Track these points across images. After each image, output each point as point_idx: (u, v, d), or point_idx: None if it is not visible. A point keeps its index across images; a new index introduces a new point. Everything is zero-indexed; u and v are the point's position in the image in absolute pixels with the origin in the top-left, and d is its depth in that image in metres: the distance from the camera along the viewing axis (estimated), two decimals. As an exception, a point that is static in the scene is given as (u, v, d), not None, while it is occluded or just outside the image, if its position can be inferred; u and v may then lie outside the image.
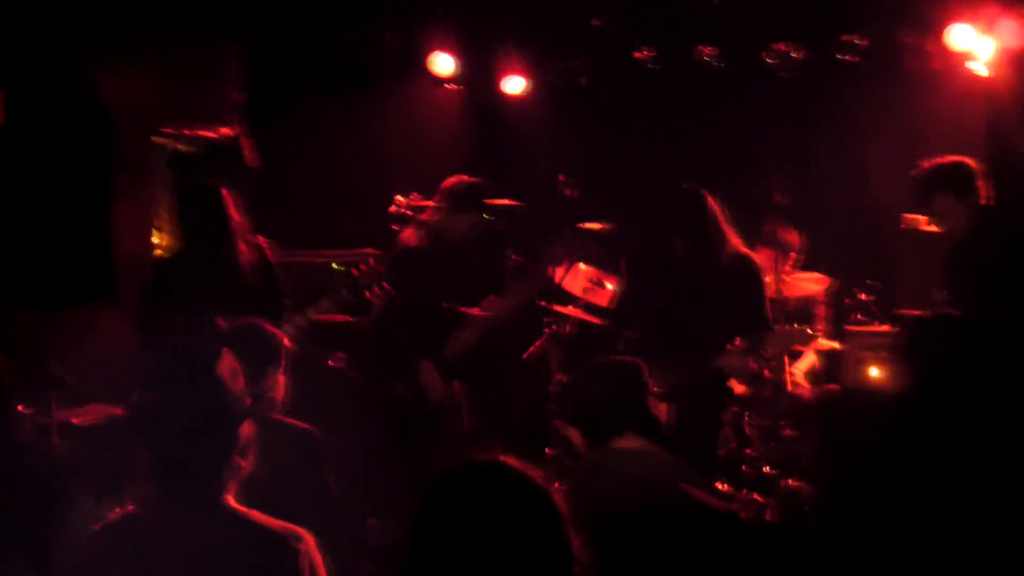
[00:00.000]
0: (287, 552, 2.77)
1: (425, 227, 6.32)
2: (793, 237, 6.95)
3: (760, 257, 6.07)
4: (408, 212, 6.60)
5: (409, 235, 6.35)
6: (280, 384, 4.19)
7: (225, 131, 7.73)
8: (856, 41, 7.32)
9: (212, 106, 7.86)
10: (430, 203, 6.38)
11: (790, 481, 5.40)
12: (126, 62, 7.15)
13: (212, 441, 2.80)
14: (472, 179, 6.35)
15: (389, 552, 5.58)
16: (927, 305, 5.78)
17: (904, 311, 6.25)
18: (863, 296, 6.89)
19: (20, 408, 5.52)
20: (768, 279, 6.10)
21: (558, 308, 6.61)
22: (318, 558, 2.83)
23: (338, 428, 4.62)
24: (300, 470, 3.89)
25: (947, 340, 3.91)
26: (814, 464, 3.55)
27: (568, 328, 6.65)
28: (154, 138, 7.62)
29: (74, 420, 5.66)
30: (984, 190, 5.63)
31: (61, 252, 6.48)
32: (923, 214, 5.90)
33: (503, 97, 8.13)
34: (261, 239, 5.70)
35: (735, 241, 5.74)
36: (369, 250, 6.74)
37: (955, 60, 7.16)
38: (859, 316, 6.86)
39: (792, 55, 7.43)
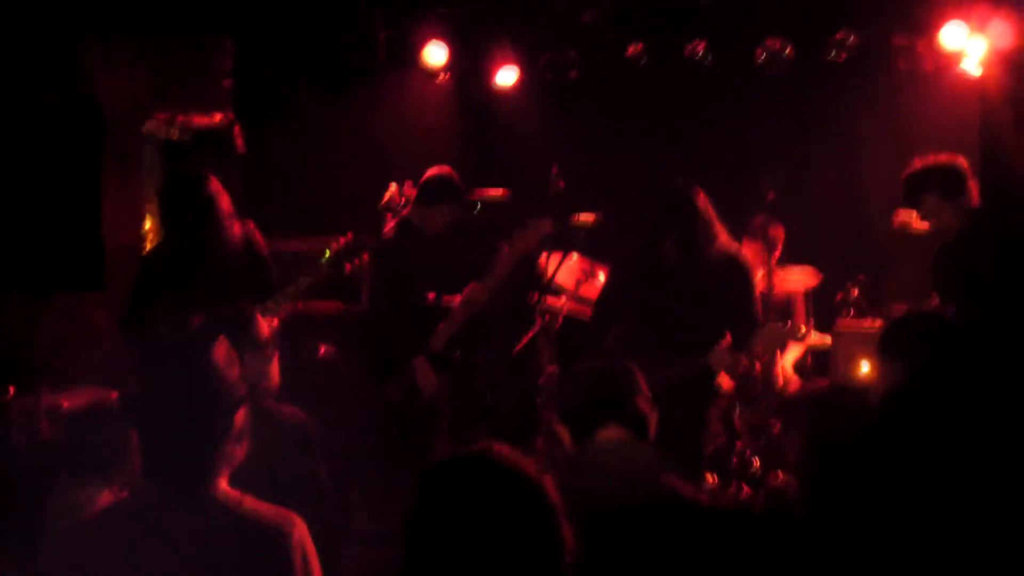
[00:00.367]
0: (278, 544, 2.78)
1: (401, 221, 6.34)
2: (779, 232, 6.98)
3: (749, 253, 6.09)
4: (400, 203, 6.61)
5: (389, 229, 6.37)
6: (272, 372, 4.19)
7: (216, 118, 7.71)
8: (847, 40, 7.33)
9: (203, 96, 7.85)
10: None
11: (779, 475, 5.43)
12: (117, 52, 7.15)
13: (208, 428, 2.81)
14: (444, 171, 6.33)
15: (381, 542, 5.59)
16: (916, 302, 5.80)
17: (894, 307, 6.27)
18: (853, 291, 6.92)
19: (9, 393, 5.50)
20: (758, 275, 6.11)
21: (550, 300, 6.61)
22: (310, 544, 2.84)
23: (330, 418, 4.62)
24: (292, 459, 3.89)
25: (935, 337, 3.94)
26: (802, 458, 3.57)
27: (560, 321, 6.66)
28: (144, 125, 7.61)
29: (64, 404, 5.64)
30: (974, 190, 5.63)
31: (51, 239, 6.48)
32: (912, 212, 5.91)
33: (494, 91, 8.13)
34: (251, 226, 5.69)
35: (724, 237, 5.75)
36: (356, 237, 6.73)
37: (947, 60, 7.18)
38: (850, 311, 6.89)
39: (783, 53, 7.44)
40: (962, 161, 5.62)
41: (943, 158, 5.63)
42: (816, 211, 7.80)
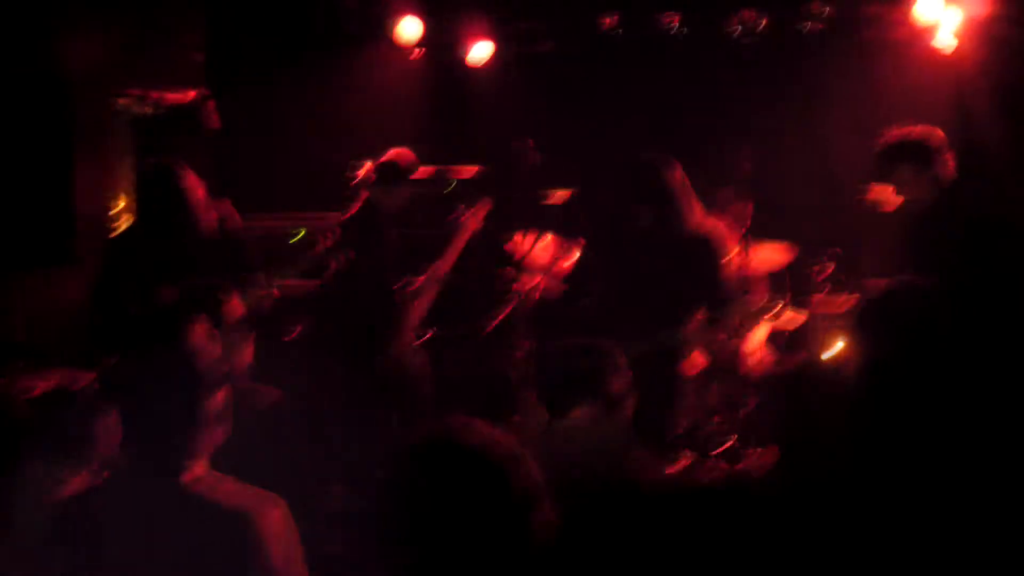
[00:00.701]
0: (258, 525, 2.76)
1: (364, 201, 6.36)
2: (747, 208, 6.96)
3: (723, 227, 6.08)
4: (368, 179, 6.61)
5: (352, 208, 6.39)
6: (247, 351, 4.17)
7: (190, 95, 7.65)
8: (820, 9, 7.31)
9: (173, 69, 7.79)
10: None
11: (755, 450, 5.44)
12: (85, 25, 7.06)
13: (189, 408, 2.79)
14: (401, 150, 6.40)
15: (355, 520, 5.57)
16: (892, 275, 5.79)
17: (869, 282, 6.26)
18: (828, 265, 6.91)
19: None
20: (733, 249, 6.11)
21: (524, 277, 6.61)
22: (292, 525, 2.83)
23: (304, 396, 4.61)
24: (269, 439, 3.87)
25: (910, 310, 3.94)
26: (778, 432, 3.59)
27: (535, 296, 6.66)
28: (115, 101, 7.54)
29: (38, 384, 5.59)
30: (951, 162, 5.60)
31: (20, 215, 6.41)
32: (885, 184, 5.89)
33: (465, 64, 8.09)
34: (225, 205, 5.67)
35: (698, 211, 5.74)
36: (331, 214, 6.73)
37: (920, 30, 7.17)
38: (824, 284, 6.88)
39: (756, 23, 7.42)
40: (938, 132, 5.59)
41: (917, 129, 5.60)
42: (789, 183, 7.80)
